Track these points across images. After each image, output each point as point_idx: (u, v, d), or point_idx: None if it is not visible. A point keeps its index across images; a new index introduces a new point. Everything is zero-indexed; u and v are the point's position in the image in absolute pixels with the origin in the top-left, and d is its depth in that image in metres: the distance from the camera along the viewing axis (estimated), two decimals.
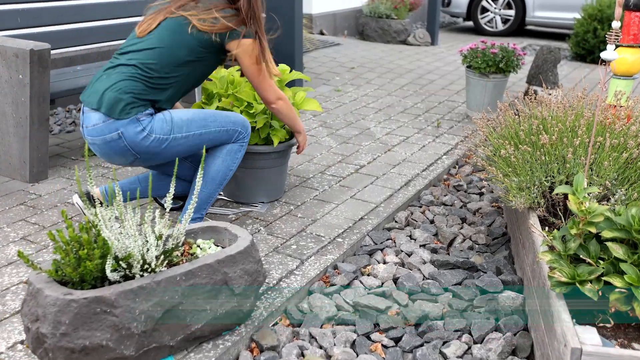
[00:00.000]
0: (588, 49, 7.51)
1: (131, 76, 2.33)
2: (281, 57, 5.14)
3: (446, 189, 3.56)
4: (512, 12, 9.22)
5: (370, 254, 2.76)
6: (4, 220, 2.82)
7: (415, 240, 2.91)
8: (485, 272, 2.57)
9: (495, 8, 9.34)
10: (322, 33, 7.78)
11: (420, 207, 3.30)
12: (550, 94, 5.07)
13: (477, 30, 9.56)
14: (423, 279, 2.58)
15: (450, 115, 4.89)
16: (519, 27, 9.36)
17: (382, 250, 2.79)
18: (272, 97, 2.58)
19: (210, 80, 2.87)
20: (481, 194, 3.51)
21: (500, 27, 9.38)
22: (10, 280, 2.33)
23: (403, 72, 6.35)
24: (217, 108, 2.79)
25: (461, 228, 3.06)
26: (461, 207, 3.33)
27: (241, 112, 2.82)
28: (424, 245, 2.86)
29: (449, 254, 2.80)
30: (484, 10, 9.44)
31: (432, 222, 3.13)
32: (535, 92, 5.07)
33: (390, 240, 2.89)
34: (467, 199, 3.42)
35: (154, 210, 2.88)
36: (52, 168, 3.45)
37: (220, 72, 2.86)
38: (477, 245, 2.86)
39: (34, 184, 3.23)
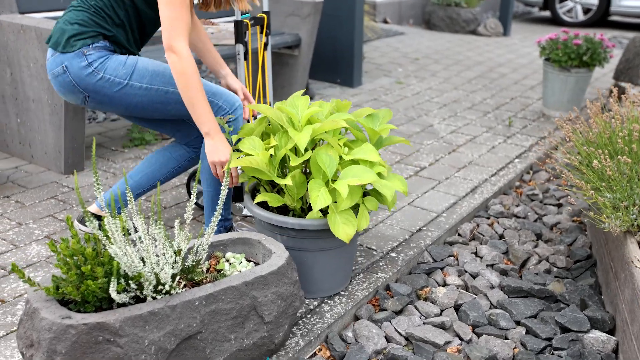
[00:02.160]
0: None
1: (77, 6, 2.19)
2: (341, 45, 4.80)
3: (518, 198, 3.14)
4: (595, 1, 8.54)
5: (429, 273, 2.40)
6: (30, 215, 2.61)
7: (481, 258, 2.53)
8: (567, 305, 2.17)
9: None
10: (385, 21, 7.39)
11: (488, 218, 2.91)
12: None
13: (555, 21, 8.92)
14: (490, 307, 2.21)
15: (524, 113, 4.43)
16: (601, 18, 8.67)
17: (442, 269, 2.43)
18: (165, 37, 1.96)
19: None
20: (559, 206, 3.08)
21: (581, 17, 8.71)
22: (26, 286, 2.11)
23: (471, 64, 5.89)
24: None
25: (536, 246, 2.66)
26: (536, 221, 2.92)
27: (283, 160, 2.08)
28: (491, 266, 2.48)
29: (521, 277, 2.41)
30: None
31: (501, 237, 2.74)
32: (624, 89, 4.55)
33: (452, 258, 2.52)
34: (542, 210, 3.00)
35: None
36: (89, 159, 3.24)
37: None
38: (555, 269, 2.46)
39: (68, 175, 3.03)
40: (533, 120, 4.27)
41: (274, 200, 1.95)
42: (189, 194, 2.75)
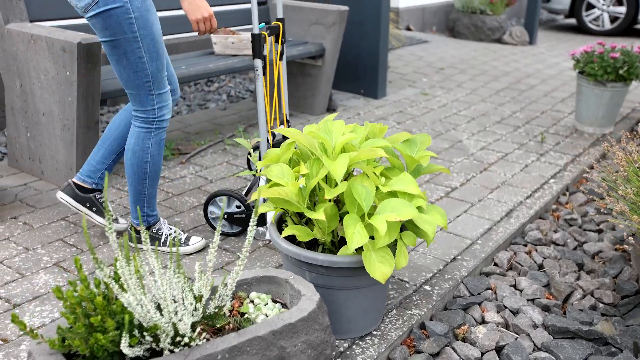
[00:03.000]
0: None
1: None
2: (365, 54, 4.63)
3: (556, 222, 2.95)
4: (622, 9, 8.30)
5: (466, 308, 2.22)
6: (39, 240, 2.47)
7: (521, 292, 2.35)
8: (620, 349, 1.98)
9: (603, 4, 8.44)
10: (408, 29, 7.22)
11: (525, 245, 2.72)
12: None
13: (581, 29, 8.69)
14: (534, 350, 2.03)
15: (556, 128, 4.23)
16: (629, 27, 8.43)
17: (480, 304, 2.25)
18: None
19: None
20: (600, 232, 2.89)
21: (608, 25, 8.47)
22: (32, 322, 1.96)
23: (498, 74, 5.69)
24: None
25: (578, 278, 2.47)
26: (575, 249, 2.74)
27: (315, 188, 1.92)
28: (532, 300, 2.30)
29: (565, 313, 2.23)
30: (590, 6, 8.55)
31: (540, 267, 2.55)
32: None
33: (489, 291, 2.34)
34: (582, 237, 2.81)
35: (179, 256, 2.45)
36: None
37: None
38: (601, 305, 2.27)
39: None
40: (566, 136, 4.07)
41: (303, 234, 1.79)
42: (207, 219, 2.57)
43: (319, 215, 1.68)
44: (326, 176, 1.84)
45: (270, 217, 2.53)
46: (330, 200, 1.83)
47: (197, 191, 2.99)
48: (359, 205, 1.74)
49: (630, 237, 2.23)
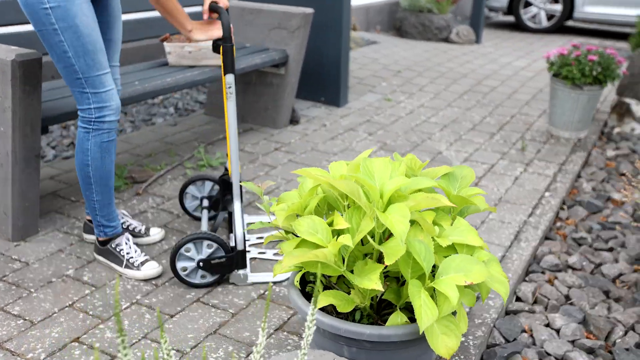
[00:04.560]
0: None
1: None
2: (326, 59, 4.29)
3: (564, 242, 2.72)
4: (558, 7, 8.36)
5: (505, 359, 1.92)
6: None
7: (558, 332, 2.09)
8: None
9: (539, 2, 8.47)
10: (354, 28, 6.92)
11: (544, 273, 2.47)
12: None
13: (519, 26, 8.70)
14: None
15: (531, 134, 4.05)
16: (564, 24, 8.51)
17: (520, 352, 1.95)
18: None
19: None
20: (611, 249, 2.68)
21: (545, 23, 8.51)
22: None
23: (457, 76, 5.49)
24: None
25: (609, 308, 2.24)
26: (593, 273, 2.51)
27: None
28: (572, 342, 2.03)
29: (613, 358, 1.97)
30: (527, 4, 8.57)
31: (567, 298, 2.30)
32: (628, 106, 4.24)
33: (525, 334, 2.06)
34: (596, 258, 2.59)
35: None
36: (44, 216, 2.60)
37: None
38: None
39: (18, 243, 2.38)
40: (543, 143, 3.89)
41: (343, 302, 1.43)
42: (179, 278, 2.17)
43: (374, 284, 1.32)
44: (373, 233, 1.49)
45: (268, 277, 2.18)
46: (379, 261, 1.47)
47: (162, 229, 2.55)
48: (416, 265, 1.39)
49: None
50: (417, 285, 1.34)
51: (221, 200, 2.59)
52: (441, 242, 1.45)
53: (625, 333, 2.09)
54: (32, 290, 2.09)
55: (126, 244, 2.22)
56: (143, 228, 2.44)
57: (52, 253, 2.33)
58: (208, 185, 2.64)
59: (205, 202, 2.61)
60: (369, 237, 1.43)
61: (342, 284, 1.56)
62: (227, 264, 2.13)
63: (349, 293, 1.55)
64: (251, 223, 2.65)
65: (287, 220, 1.53)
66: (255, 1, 4.42)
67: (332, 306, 1.59)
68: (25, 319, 1.93)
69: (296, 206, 1.52)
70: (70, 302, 2.03)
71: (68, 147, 3.58)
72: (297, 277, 1.54)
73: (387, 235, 1.51)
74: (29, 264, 2.24)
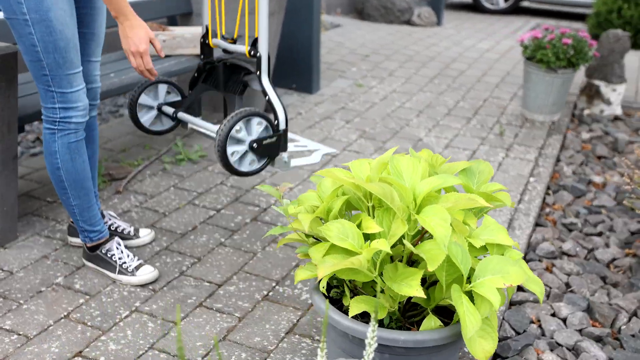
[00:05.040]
0: None
1: None
2: (298, 45, 4.18)
3: (555, 229, 2.73)
4: None
5: (519, 352, 1.91)
6: None
7: (564, 321, 2.09)
8: None
9: None
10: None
11: (541, 261, 2.47)
12: (615, 90, 4.32)
13: (476, 8, 8.76)
14: None
15: (506, 117, 4.07)
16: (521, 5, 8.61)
17: (532, 345, 1.94)
18: None
19: None
20: (600, 234, 2.71)
21: (502, 4, 8.60)
22: None
23: (425, 60, 5.47)
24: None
25: (608, 294, 2.26)
26: (587, 258, 2.53)
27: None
28: (580, 331, 2.04)
29: (619, 342, 1.99)
30: None
31: (567, 285, 2.31)
32: (598, 88, 4.30)
33: (534, 325, 2.05)
34: (588, 243, 2.62)
35: None
36: (20, 220, 2.43)
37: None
38: None
39: None
40: (520, 127, 3.91)
41: (374, 307, 1.36)
42: (228, 166, 2.15)
43: (414, 291, 1.27)
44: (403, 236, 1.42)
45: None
46: (409, 263, 1.42)
47: (152, 230, 2.43)
48: (451, 267, 1.35)
49: None
50: (458, 290, 1.29)
51: (223, 81, 2.41)
52: (474, 243, 1.40)
53: (629, 319, 2.11)
54: (21, 301, 1.95)
55: (117, 248, 2.10)
56: (132, 229, 2.32)
57: (37, 260, 2.18)
58: (162, 89, 2.42)
59: (168, 109, 2.41)
60: (403, 240, 1.37)
61: (368, 287, 1.50)
62: (276, 145, 2.10)
63: (374, 296, 1.50)
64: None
65: (312, 225, 1.46)
66: None
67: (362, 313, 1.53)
68: (20, 334, 1.80)
69: (321, 211, 1.45)
70: (65, 313, 1.90)
71: (34, 142, 3.39)
72: (323, 284, 1.47)
73: (417, 237, 1.45)
74: (13, 273, 2.10)
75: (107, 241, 2.10)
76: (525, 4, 9.00)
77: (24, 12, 1.74)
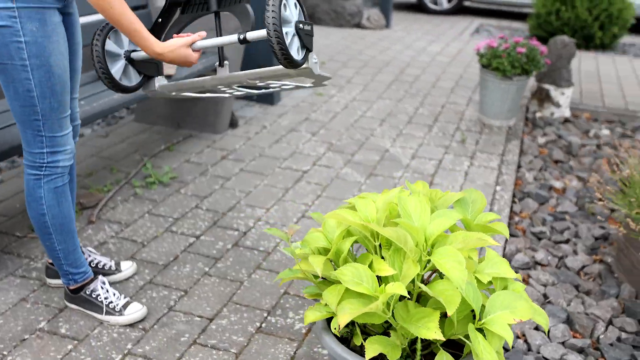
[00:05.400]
0: (550, 31, 7.06)
1: None
2: (258, 54, 4.16)
3: (527, 238, 2.84)
4: None
5: None
6: None
7: (547, 333, 2.18)
8: None
9: None
10: None
11: (517, 272, 2.56)
12: (563, 94, 4.50)
13: (421, 8, 8.91)
14: None
15: (465, 124, 4.17)
16: (464, 5, 8.82)
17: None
18: None
19: None
20: (568, 241, 2.83)
21: (446, 5, 8.78)
22: None
23: (380, 65, 5.54)
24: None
25: (583, 303, 2.37)
26: (559, 267, 2.64)
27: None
28: (563, 343, 2.13)
29: (602, 354, 2.09)
30: None
31: (545, 297, 2.41)
32: (548, 92, 4.47)
33: (520, 340, 2.13)
34: (557, 251, 2.73)
35: None
36: None
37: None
38: (628, 335, 2.17)
39: None
40: (479, 132, 4.02)
41: (392, 350, 1.39)
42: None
43: (433, 333, 1.30)
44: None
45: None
46: (418, 301, 1.45)
47: (133, 262, 2.38)
48: (462, 304, 1.39)
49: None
50: (473, 329, 1.33)
51: None
52: (482, 279, 1.45)
53: (606, 328, 2.22)
54: (4, 352, 1.88)
55: (102, 288, 2.05)
56: (112, 264, 2.27)
57: (15, 304, 2.11)
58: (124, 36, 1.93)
59: (140, 55, 1.93)
60: (415, 281, 1.40)
61: (378, 325, 1.53)
62: (311, 34, 1.75)
63: (384, 333, 1.53)
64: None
65: (323, 267, 1.47)
66: None
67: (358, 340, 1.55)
68: None
69: (331, 253, 1.46)
70: None
71: None
72: (335, 325, 1.48)
73: (427, 276, 1.49)
74: None
75: (91, 281, 2.05)
76: (467, 3, 9.22)
77: (24, 58, 1.67)
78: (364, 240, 1.54)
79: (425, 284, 1.51)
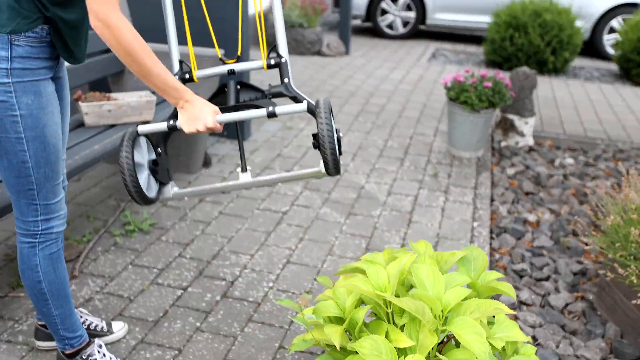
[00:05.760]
0: (505, 57, 7.29)
1: None
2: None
3: (509, 276, 2.90)
4: (412, 15, 8.82)
5: None
6: None
7: None
8: None
9: (395, 10, 8.88)
10: None
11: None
12: (527, 123, 4.65)
13: (377, 33, 9.05)
14: None
15: (435, 156, 4.25)
16: (419, 29, 9.01)
17: None
18: (91, 6, 1.55)
19: None
20: (548, 277, 2.90)
21: (401, 29, 8.95)
22: None
23: (345, 95, 5.60)
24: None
25: (571, 344, 2.43)
26: (543, 306, 2.71)
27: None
28: None
29: None
30: (384, 12, 8.94)
31: (534, 339, 2.46)
32: (512, 122, 4.60)
33: None
34: (539, 288, 2.80)
35: None
36: None
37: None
38: None
39: None
40: (449, 165, 4.10)
41: None
42: None
43: None
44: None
45: None
46: None
47: (122, 319, 2.33)
48: None
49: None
50: None
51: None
52: (495, 344, 1.48)
53: None
54: None
55: (99, 352, 1.99)
56: (104, 324, 2.21)
57: None
58: (143, 142, 1.94)
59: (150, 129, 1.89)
60: (432, 350, 1.42)
61: None
62: (339, 146, 1.93)
63: None
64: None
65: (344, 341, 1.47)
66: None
67: None
68: None
69: (346, 324, 1.47)
70: None
71: None
72: None
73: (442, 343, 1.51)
74: None
75: (87, 345, 1.99)
76: (422, 27, 9.42)
77: (19, 131, 1.64)
78: (376, 308, 1.55)
79: (439, 351, 1.53)
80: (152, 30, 3.29)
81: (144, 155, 1.93)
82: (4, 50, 1.58)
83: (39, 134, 1.66)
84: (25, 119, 1.63)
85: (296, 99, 1.94)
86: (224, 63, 2.04)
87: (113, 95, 2.97)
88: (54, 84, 1.74)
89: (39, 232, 1.79)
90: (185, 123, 1.78)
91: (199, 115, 1.76)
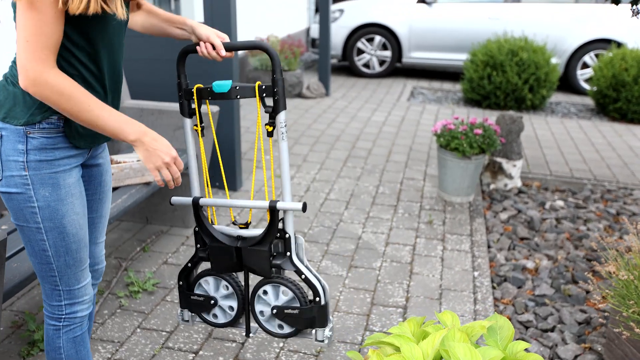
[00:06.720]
0: (483, 95, 7.45)
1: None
2: (222, 141, 4.14)
3: (515, 329, 2.92)
4: (388, 53, 8.97)
5: None
6: None
7: None
8: None
9: (371, 49, 9.03)
10: None
11: None
12: (515, 166, 4.74)
13: (354, 72, 9.17)
14: None
15: (427, 202, 4.29)
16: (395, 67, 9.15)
17: None
18: (21, 63, 1.46)
19: None
20: (554, 328, 2.93)
21: (378, 68, 9.09)
22: None
23: (331, 140, 5.63)
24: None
25: None
26: (552, 358, 2.73)
27: None
28: None
29: None
30: (360, 52, 9.08)
31: None
32: (500, 164, 4.69)
33: None
34: (547, 340, 2.82)
35: None
36: None
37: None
38: None
39: None
40: (443, 211, 4.14)
41: None
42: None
43: None
44: None
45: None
46: None
47: None
48: None
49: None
50: None
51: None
52: None
53: None
54: None
55: None
56: None
57: None
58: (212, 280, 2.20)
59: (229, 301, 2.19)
60: None
61: None
62: (300, 317, 2.15)
63: None
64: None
65: None
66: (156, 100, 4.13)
67: None
68: None
69: None
70: None
71: None
72: None
73: None
74: None
75: None
76: (398, 65, 9.59)
77: (38, 221, 1.64)
78: None
79: None
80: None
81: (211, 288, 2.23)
82: (20, 144, 1.58)
83: (57, 225, 1.66)
84: (43, 210, 1.63)
85: (298, 272, 2.08)
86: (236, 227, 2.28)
87: (114, 157, 2.94)
88: (80, 171, 1.72)
89: (63, 316, 1.78)
90: (145, 160, 1.64)
91: (157, 148, 1.63)
